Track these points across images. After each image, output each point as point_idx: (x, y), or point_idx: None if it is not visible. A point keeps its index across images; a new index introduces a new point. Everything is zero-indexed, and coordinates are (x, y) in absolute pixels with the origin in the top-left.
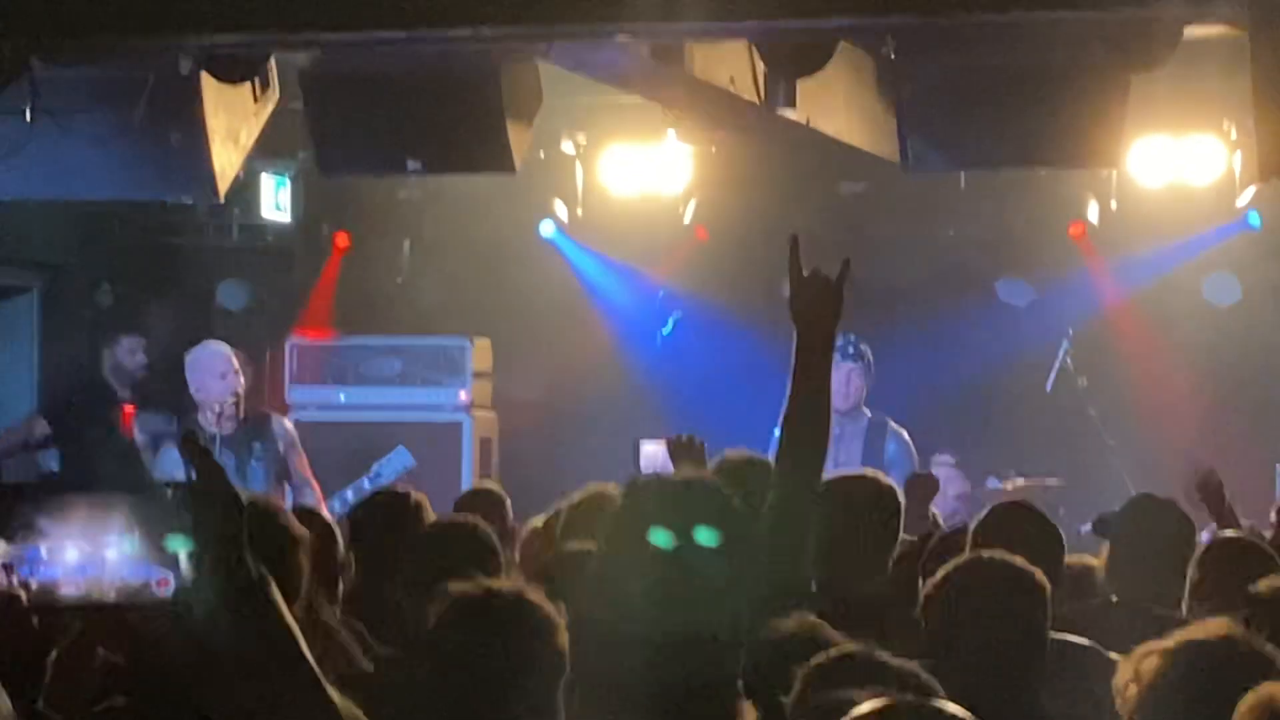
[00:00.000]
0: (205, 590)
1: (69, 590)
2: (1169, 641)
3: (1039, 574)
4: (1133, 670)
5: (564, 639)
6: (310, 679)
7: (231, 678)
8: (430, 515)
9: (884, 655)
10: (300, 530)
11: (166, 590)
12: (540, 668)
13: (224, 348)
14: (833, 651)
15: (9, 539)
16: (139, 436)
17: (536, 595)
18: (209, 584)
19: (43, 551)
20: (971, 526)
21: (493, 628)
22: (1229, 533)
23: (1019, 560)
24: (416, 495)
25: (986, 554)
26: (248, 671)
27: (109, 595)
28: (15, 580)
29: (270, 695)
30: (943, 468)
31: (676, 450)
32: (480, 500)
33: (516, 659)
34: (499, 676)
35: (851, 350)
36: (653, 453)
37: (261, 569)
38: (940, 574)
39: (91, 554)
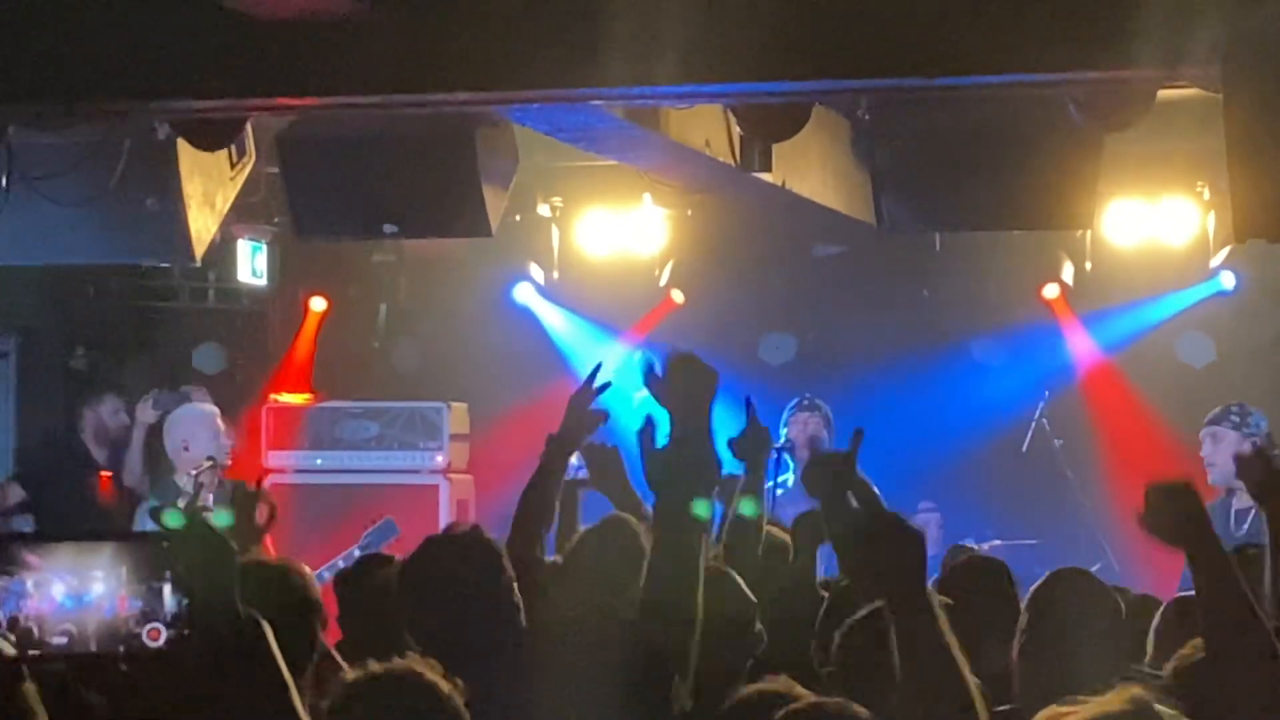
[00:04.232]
0: (197, 634)
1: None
2: (1081, 710)
3: None
4: None
5: (459, 710)
6: None
7: None
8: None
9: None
10: (318, 596)
11: (157, 642)
12: None
13: (214, 408)
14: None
15: None
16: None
17: (432, 672)
18: (200, 628)
19: (29, 585)
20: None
21: (386, 709)
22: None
23: None
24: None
25: None
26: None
27: (91, 644)
28: (1, 615)
29: None
30: (924, 513)
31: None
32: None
33: None
34: None
35: (806, 403)
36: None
37: (253, 613)
38: None
39: (78, 592)
